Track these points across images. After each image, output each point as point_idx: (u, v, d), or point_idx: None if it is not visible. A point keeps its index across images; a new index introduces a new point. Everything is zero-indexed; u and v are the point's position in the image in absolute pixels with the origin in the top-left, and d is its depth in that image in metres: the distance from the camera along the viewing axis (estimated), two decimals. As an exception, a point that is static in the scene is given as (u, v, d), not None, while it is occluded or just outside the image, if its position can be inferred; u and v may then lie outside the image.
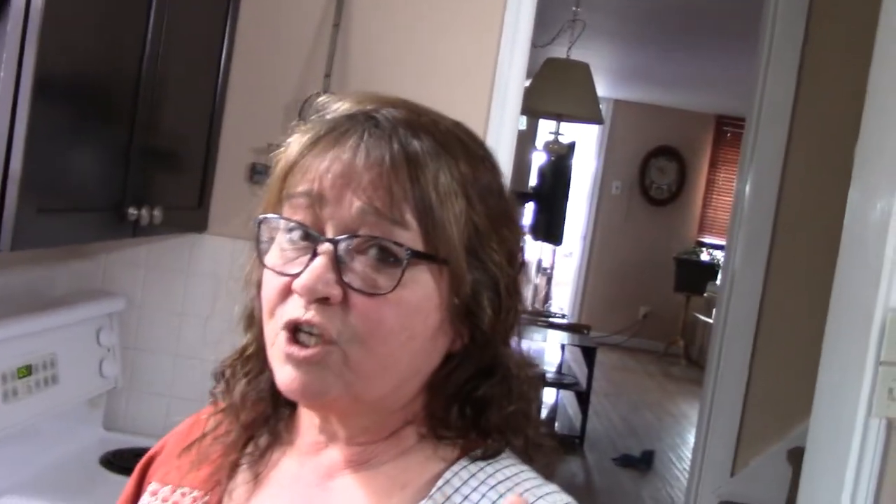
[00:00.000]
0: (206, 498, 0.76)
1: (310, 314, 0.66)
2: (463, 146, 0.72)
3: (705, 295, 7.81)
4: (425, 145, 0.68)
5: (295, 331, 0.67)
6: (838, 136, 2.40)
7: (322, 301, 0.66)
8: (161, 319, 2.06)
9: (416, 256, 0.66)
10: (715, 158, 8.62)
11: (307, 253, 0.67)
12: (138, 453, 1.92)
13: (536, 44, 4.40)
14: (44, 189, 1.23)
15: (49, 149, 1.23)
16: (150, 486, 0.81)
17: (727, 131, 8.47)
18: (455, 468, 0.70)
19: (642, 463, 4.92)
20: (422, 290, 0.68)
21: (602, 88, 6.21)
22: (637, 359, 8.05)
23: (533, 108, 4.11)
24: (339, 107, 0.72)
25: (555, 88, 4.03)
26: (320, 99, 0.74)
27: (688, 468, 3.95)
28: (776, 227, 2.84)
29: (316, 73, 1.97)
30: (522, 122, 5.52)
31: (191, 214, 1.94)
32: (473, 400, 0.72)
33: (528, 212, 5.73)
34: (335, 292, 0.66)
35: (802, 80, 2.80)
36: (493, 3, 1.99)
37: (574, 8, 4.31)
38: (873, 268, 1.64)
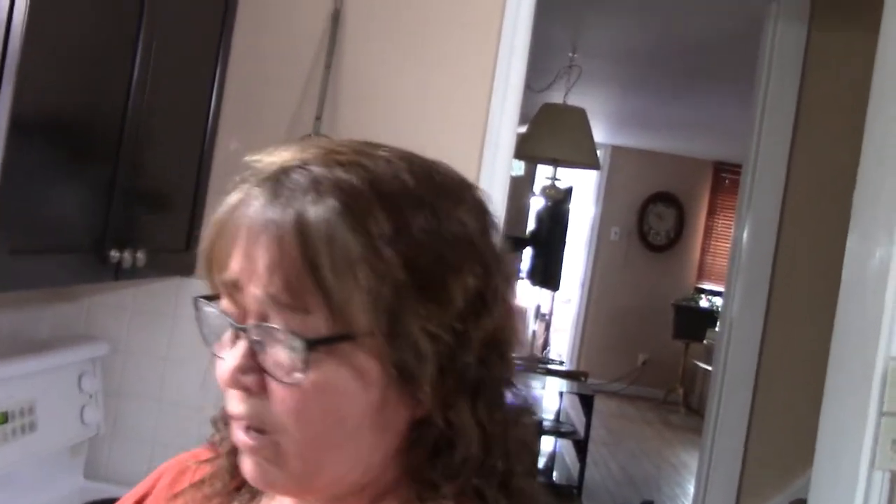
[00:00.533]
0: None
1: (239, 408, 0.65)
2: (386, 194, 0.64)
3: (705, 342, 7.74)
4: (323, 210, 0.61)
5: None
6: (836, 182, 2.38)
7: (246, 391, 0.64)
8: (146, 364, 2.01)
9: (317, 343, 0.61)
10: (713, 205, 8.62)
11: (233, 338, 0.66)
12: (118, 504, 1.87)
13: (533, 88, 4.42)
14: (19, 230, 1.20)
15: (24, 187, 1.20)
16: None
17: (725, 178, 8.48)
18: None
19: (641, 514, 4.82)
20: (341, 371, 0.63)
21: (599, 134, 6.23)
22: (636, 406, 7.96)
23: (530, 153, 4.11)
24: (261, 166, 0.67)
25: (551, 133, 4.03)
26: (246, 158, 0.69)
27: (687, 520, 3.86)
28: (774, 274, 2.81)
29: (307, 114, 1.95)
30: (519, 168, 5.52)
31: (177, 257, 1.90)
32: (446, 468, 0.66)
33: (526, 257, 5.70)
34: (250, 382, 0.63)
35: (799, 125, 2.79)
36: (486, 46, 1.98)
37: (570, 54, 4.33)
38: (873, 316, 1.60)
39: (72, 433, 1.82)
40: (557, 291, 7.19)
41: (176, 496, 0.77)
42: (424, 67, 1.99)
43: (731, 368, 2.85)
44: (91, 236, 1.46)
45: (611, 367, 8.23)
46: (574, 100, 4.45)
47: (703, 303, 8.24)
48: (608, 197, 8.58)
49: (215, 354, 0.66)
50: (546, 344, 8.06)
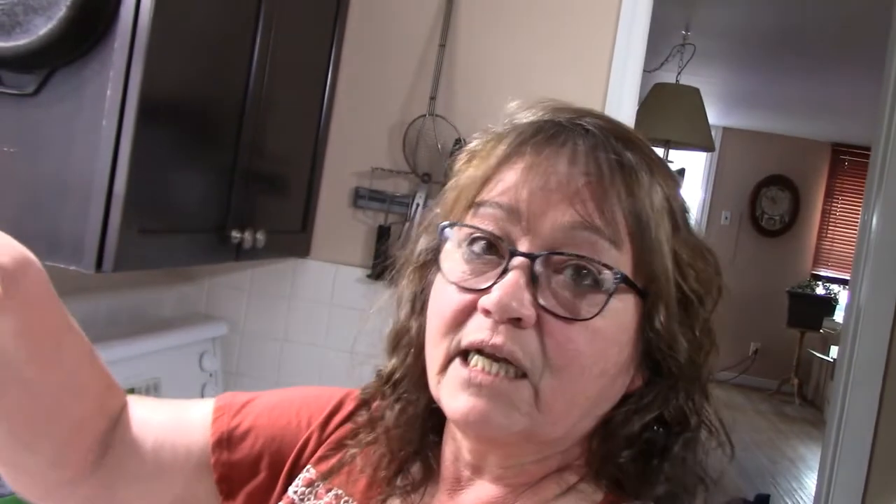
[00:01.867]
0: None
1: (499, 338, 0.58)
2: (666, 166, 0.65)
3: (822, 331, 7.42)
4: (637, 158, 0.61)
5: (472, 356, 0.60)
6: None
7: (513, 322, 0.58)
8: (263, 345, 2.04)
9: (625, 282, 0.59)
10: (831, 188, 8.23)
11: (494, 268, 0.60)
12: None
13: (646, 68, 4.29)
14: (146, 211, 1.22)
15: (152, 170, 1.22)
16: (306, 472, 0.75)
17: (844, 160, 8.08)
18: None
19: (756, 508, 4.66)
20: (619, 320, 0.60)
21: (712, 115, 6.00)
22: (747, 396, 7.70)
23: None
24: (535, 111, 0.66)
25: (664, 114, 3.90)
26: (511, 105, 0.68)
27: (806, 516, 3.70)
28: (908, 261, 2.64)
29: (422, 96, 1.93)
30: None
31: (294, 238, 1.92)
32: (653, 449, 0.63)
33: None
34: (529, 313, 0.58)
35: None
36: (604, 28, 1.92)
37: (683, 32, 4.19)
38: None
39: (194, 411, 1.86)
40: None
41: (343, 444, 0.74)
42: (539, 48, 1.94)
43: (859, 360, 2.69)
44: (213, 218, 1.48)
45: (721, 355, 7.95)
46: (686, 80, 4.30)
47: (820, 290, 7.89)
48: (719, 180, 8.31)
49: (458, 284, 0.61)
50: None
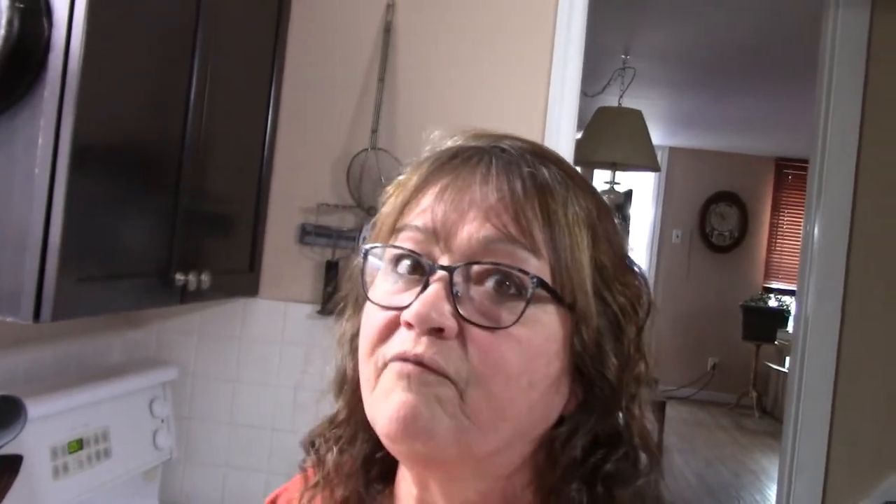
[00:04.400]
0: None
1: (420, 348, 0.58)
2: (588, 184, 0.67)
3: (776, 343, 7.54)
4: (554, 174, 0.63)
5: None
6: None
7: (435, 333, 0.58)
8: (215, 387, 2.02)
9: (544, 288, 0.59)
10: (777, 202, 8.41)
11: (416, 286, 0.61)
12: (194, 527, 1.87)
13: (588, 93, 4.37)
14: (84, 258, 1.20)
15: (89, 217, 1.21)
16: None
17: (788, 174, 8.27)
18: None
19: (721, 522, 4.69)
20: (544, 330, 0.60)
21: (657, 136, 6.13)
22: (708, 412, 7.77)
23: (587, 158, 4.05)
24: (455, 139, 0.68)
25: (608, 137, 3.96)
26: (434, 134, 0.70)
27: (770, 527, 3.73)
28: (849, 269, 2.70)
29: (363, 129, 1.94)
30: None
31: (241, 278, 1.90)
32: (599, 475, 0.62)
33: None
34: (450, 324, 0.58)
35: (866, 115, 2.68)
36: (540, 53, 1.95)
37: (623, 56, 4.27)
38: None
39: (145, 458, 1.83)
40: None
41: None
42: (478, 76, 1.97)
43: (809, 369, 2.74)
44: (156, 261, 1.47)
45: (680, 372, 8.07)
46: (628, 102, 4.38)
47: (773, 302, 8.03)
48: (668, 199, 8.44)
49: (379, 304, 0.62)
50: (612, 351, 7.93)
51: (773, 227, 8.43)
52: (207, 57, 1.54)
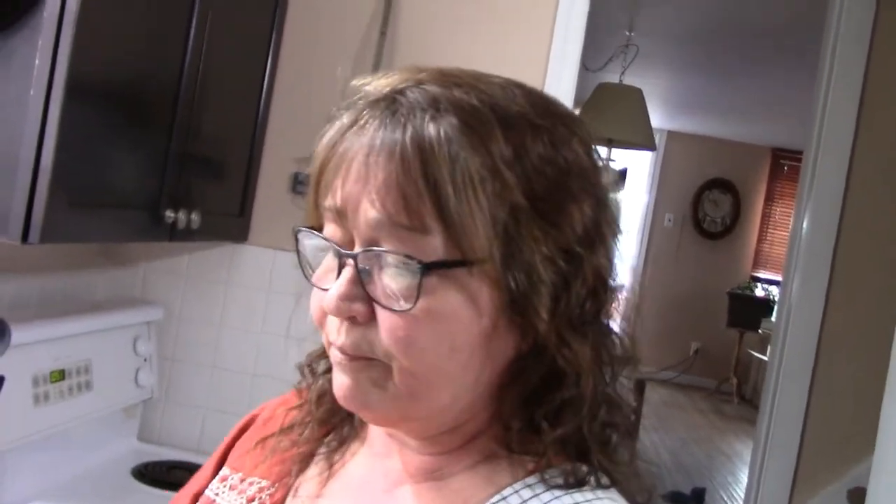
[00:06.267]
0: (273, 490, 0.73)
1: (342, 338, 0.62)
2: (505, 117, 0.62)
3: (760, 331, 7.59)
4: (444, 127, 0.59)
5: None
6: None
7: (351, 320, 0.61)
8: (199, 330, 2.03)
9: (432, 267, 0.59)
10: (771, 192, 8.43)
11: (338, 267, 0.62)
12: (172, 466, 1.91)
13: (590, 68, 4.36)
14: (76, 184, 1.21)
15: (82, 144, 1.21)
16: (222, 471, 0.79)
17: (784, 165, 8.28)
18: (517, 486, 0.62)
19: (692, 501, 4.75)
20: (454, 297, 0.60)
21: (656, 119, 6.12)
22: (687, 395, 7.84)
23: (584, 133, 4.04)
24: (371, 89, 0.64)
25: (606, 114, 3.96)
26: (353, 83, 0.66)
27: (739, 508, 3.79)
28: (835, 262, 2.72)
29: (361, 83, 1.93)
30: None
31: (231, 222, 1.91)
32: (547, 410, 0.63)
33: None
34: (360, 310, 0.60)
35: (864, 108, 2.69)
36: (542, 24, 1.95)
37: (627, 32, 4.25)
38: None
39: (126, 395, 1.85)
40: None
41: (265, 440, 0.77)
42: (478, 43, 1.96)
43: (789, 357, 2.77)
44: (147, 196, 1.47)
45: (662, 355, 8.12)
46: (630, 81, 4.37)
47: (759, 292, 8.08)
48: (662, 183, 8.45)
49: (316, 286, 0.64)
50: (596, 330, 7.97)
51: (766, 216, 8.46)
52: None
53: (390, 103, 0.61)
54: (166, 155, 1.51)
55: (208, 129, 1.67)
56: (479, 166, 0.59)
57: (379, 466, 0.70)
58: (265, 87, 1.92)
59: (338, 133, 0.62)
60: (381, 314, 0.60)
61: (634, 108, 4.01)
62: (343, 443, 0.74)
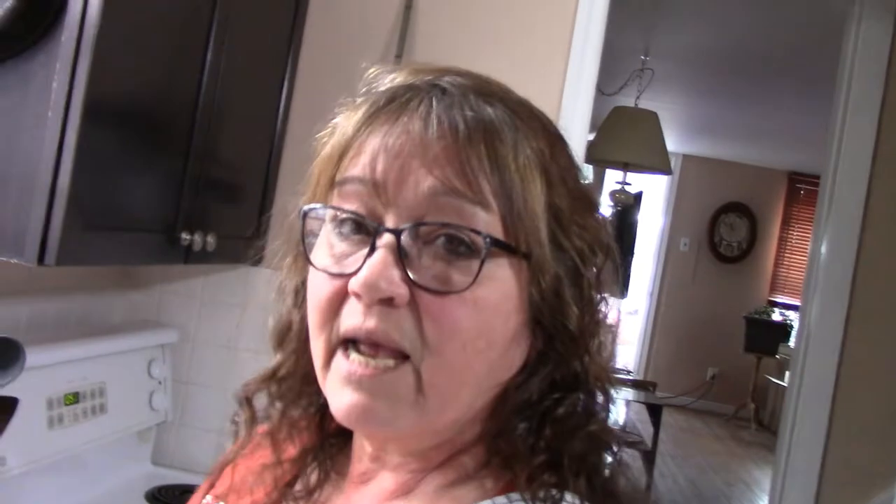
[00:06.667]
0: None
1: (371, 321, 0.55)
2: (538, 119, 0.62)
3: (778, 356, 7.52)
4: (499, 113, 0.58)
5: (353, 345, 0.57)
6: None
7: (385, 303, 0.55)
8: (214, 353, 2.02)
9: (497, 246, 0.56)
10: (788, 216, 8.38)
11: (363, 248, 0.57)
12: (185, 490, 1.89)
13: (604, 91, 4.36)
14: (92, 206, 1.21)
15: (99, 167, 1.21)
16: (206, 498, 0.74)
17: (800, 188, 8.24)
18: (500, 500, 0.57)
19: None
20: (500, 287, 0.57)
21: (671, 143, 6.12)
22: (704, 421, 7.76)
23: (600, 157, 4.05)
24: (393, 78, 0.63)
25: (622, 137, 3.96)
26: (370, 72, 0.64)
27: (759, 536, 3.72)
28: (854, 287, 2.69)
29: (377, 106, 1.94)
30: (589, 173, 5.44)
31: (247, 245, 1.91)
32: (549, 418, 0.59)
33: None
34: (401, 291, 0.55)
35: (882, 131, 2.67)
36: (558, 48, 1.95)
37: (643, 56, 4.26)
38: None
39: (140, 418, 1.84)
40: (624, 299, 7.07)
41: (235, 465, 0.73)
42: (494, 69, 1.95)
43: (808, 383, 2.73)
44: (162, 218, 1.47)
45: (678, 380, 8.06)
46: (645, 105, 4.37)
47: (776, 316, 8.01)
48: (678, 207, 8.42)
49: (326, 272, 0.58)
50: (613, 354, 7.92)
51: (782, 241, 8.41)
52: (227, 23, 1.54)
53: (432, 87, 0.60)
54: (182, 177, 1.51)
55: (225, 151, 1.67)
56: (533, 156, 0.59)
57: (355, 497, 0.65)
58: (281, 109, 1.93)
59: (372, 107, 0.60)
60: (426, 299, 0.55)
61: (650, 131, 4.01)
62: (313, 492, 0.68)
